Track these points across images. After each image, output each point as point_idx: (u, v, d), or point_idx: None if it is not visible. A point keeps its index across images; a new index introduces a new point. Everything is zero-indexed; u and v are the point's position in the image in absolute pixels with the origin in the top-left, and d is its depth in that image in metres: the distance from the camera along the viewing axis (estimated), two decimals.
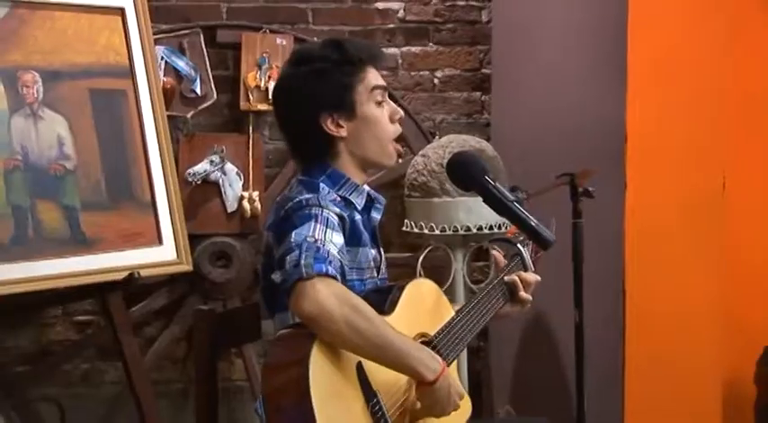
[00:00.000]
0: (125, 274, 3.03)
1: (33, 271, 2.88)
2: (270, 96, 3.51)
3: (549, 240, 2.08)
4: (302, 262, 1.78)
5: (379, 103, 2.12)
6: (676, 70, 2.90)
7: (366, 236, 2.10)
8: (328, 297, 1.75)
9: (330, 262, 1.80)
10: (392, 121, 2.14)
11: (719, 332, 3.03)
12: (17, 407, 3.44)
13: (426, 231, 3.25)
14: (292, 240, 1.84)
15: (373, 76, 2.12)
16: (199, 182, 3.53)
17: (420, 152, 3.32)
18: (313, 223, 1.88)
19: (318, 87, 2.07)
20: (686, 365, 2.89)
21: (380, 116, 2.11)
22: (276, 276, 1.86)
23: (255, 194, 3.55)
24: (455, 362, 2.13)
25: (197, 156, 3.54)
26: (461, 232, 3.20)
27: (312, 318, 1.75)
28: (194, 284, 3.55)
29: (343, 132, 2.09)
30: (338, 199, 2.05)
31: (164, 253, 3.18)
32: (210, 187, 3.55)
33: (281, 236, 1.92)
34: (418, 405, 1.91)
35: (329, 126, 2.08)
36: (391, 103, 2.16)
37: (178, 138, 3.53)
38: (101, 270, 3.02)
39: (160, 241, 3.18)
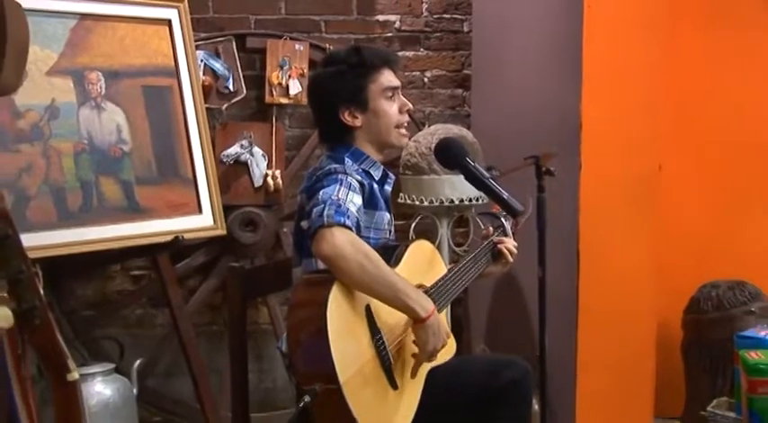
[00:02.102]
0: (171, 237, 3.05)
1: (98, 234, 2.90)
2: (289, 92, 3.54)
3: (518, 209, 2.11)
4: (325, 213, 1.80)
5: (390, 98, 2.12)
6: (623, 73, 2.91)
7: (382, 202, 2.12)
8: (343, 242, 1.78)
9: (348, 217, 1.82)
10: (401, 112, 2.14)
11: (654, 286, 3.06)
12: (85, 343, 3.47)
13: (417, 203, 3.27)
14: (320, 197, 1.87)
15: (386, 78, 2.12)
16: (231, 162, 3.53)
17: (412, 138, 3.31)
18: (338, 186, 1.90)
19: (338, 85, 2.09)
20: (627, 312, 2.92)
21: (389, 109, 2.11)
22: (304, 224, 1.90)
23: (278, 172, 3.55)
24: (445, 310, 2.15)
25: (230, 140, 3.54)
26: (446, 204, 3.22)
27: (329, 258, 1.78)
28: (227, 246, 3.55)
29: (358, 123, 2.10)
30: (360, 170, 2.07)
31: (203, 220, 3.19)
32: (241, 166, 3.55)
33: (311, 194, 1.94)
34: (413, 342, 1.94)
35: (346, 117, 2.09)
36: (402, 97, 2.16)
37: (215, 126, 3.53)
38: (152, 234, 3.04)
39: (200, 210, 3.19)
